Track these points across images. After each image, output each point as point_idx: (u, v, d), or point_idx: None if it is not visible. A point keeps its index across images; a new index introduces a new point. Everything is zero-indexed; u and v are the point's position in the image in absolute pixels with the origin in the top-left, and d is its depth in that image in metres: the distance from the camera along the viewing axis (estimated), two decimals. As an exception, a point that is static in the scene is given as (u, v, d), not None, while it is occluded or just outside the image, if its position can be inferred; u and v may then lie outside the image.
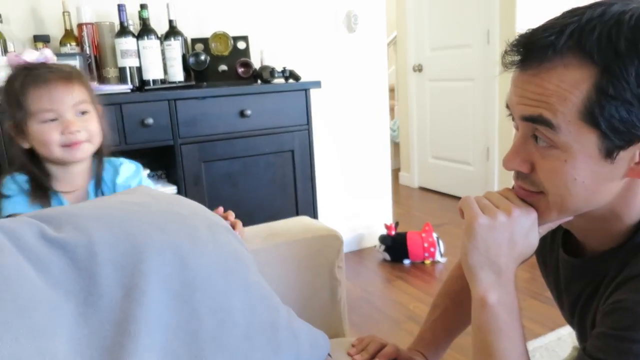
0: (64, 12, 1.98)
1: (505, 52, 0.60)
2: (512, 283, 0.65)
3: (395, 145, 4.41)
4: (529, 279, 2.19)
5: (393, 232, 2.65)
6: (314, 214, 2.15)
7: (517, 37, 0.60)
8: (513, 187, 0.68)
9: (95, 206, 0.80)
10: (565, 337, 1.82)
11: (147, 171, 1.88)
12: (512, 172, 0.66)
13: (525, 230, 0.64)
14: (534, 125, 0.58)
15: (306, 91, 2.11)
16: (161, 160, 2.02)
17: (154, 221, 0.79)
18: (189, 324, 0.71)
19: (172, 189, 1.89)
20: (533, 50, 0.57)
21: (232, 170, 1.98)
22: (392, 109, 4.34)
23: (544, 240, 0.79)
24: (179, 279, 0.74)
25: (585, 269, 0.70)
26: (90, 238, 0.72)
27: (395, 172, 4.23)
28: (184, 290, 0.73)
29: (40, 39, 1.96)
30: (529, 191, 0.64)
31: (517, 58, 0.59)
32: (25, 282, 0.63)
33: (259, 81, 2.13)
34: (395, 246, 2.61)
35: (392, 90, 4.36)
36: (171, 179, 1.96)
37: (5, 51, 1.73)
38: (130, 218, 0.78)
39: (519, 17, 3.10)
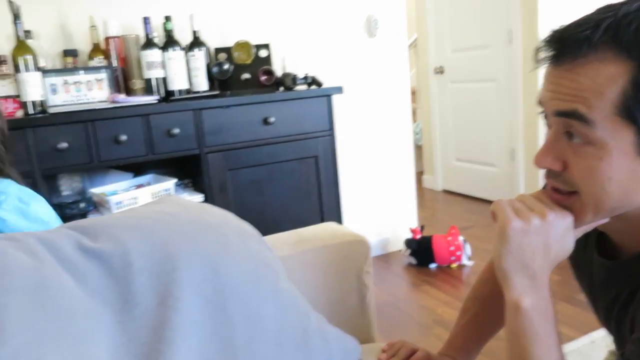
0: (91, 27, 2.03)
1: (539, 47, 0.59)
2: (546, 287, 0.64)
3: (418, 148, 4.38)
4: (559, 282, 2.15)
5: (419, 236, 2.64)
6: (338, 220, 2.15)
7: (550, 32, 0.59)
8: (545, 188, 0.67)
9: (129, 216, 0.82)
10: (599, 341, 1.78)
11: (175, 180, 1.91)
12: (541, 172, 0.65)
13: (560, 234, 0.63)
14: (568, 121, 0.57)
15: (328, 97, 2.12)
16: (188, 169, 2.05)
17: (185, 230, 0.81)
18: (222, 330, 0.72)
19: (199, 197, 1.92)
20: (567, 45, 0.56)
21: (257, 177, 2.00)
22: (414, 112, 4.32)
23: (576, 242, 0.78)
24: (211, 287, 0.75)
25: (621, 272, 0.69)
26: (125, 248, 0.74)
27: (419, 175, 4.21)
28: (217, 297, 0.74)
29: (70, 54, 2.02)
30: (562, 193, 0.63)
31: (550, 53, 0.58)
32: (65, 292, 0.65)
33: (282, 88, 2.15)
34: (421, 250, 2.60)
35: (413, 93, 4.34)
36: (198, 187, 1.99)
37: (37, 67, 1.79)
38: (162, 227, 0.80)
39: (541, 15, 3.06)
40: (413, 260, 2.64)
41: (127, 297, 0.70)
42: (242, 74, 2.20)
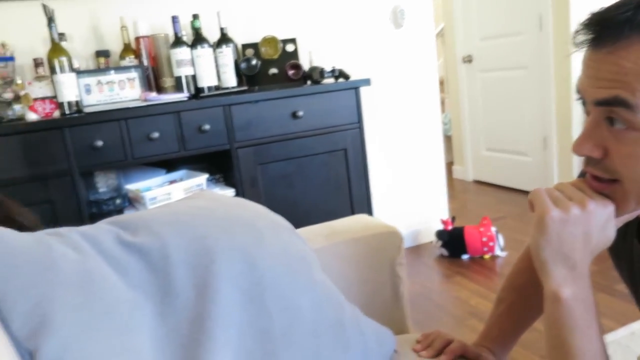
0: (121, 27, 2.07)
1: (577, 31, 0.58)
2: (587, 277, 0.62)
3: (447, 139, 4.33)
4: (597, 272, 2.10)
5: (450, 227, 2.61)
6: (369, 212, 2.15)
7: (588, 15, 0.57)
8: (583, 175, 0.65)
9: (166, 211, 0.84)
10: (639, 332, 1.73)
11: (207, 175, 1.94)
12: (575, 161, 0.63)
13: (601, 224, 0.61)
14: (610, 107, 0.56)
15: (356, 89, 2.12)
16: (219, 164, 2.08)
17: (220, 224, 0.82)
18: (259, 322, 0.74)
19: (230, 191, 1.94)
20: (608, 27, 0.54)
21: (287, 171, 2.01)
22: (442, 102, 4.27)
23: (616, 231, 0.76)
24: (247, 279, 0.76)
25: None
26: (163, 242, 0.75)
27: (449, 166, 4.16)
28: (253, 289, 0.75)
29: (102, 54, 2.06)
30: (602, 181, 0.61)
31: (589, 37, 0.56)
32: (109, 284, 0.67)
33: (309, 82, 2.16)
34: (453, 241, 2.57)
35: (441, 83, 4.29)
36: (229, 182, 2.02)
37: (72, 68, 1.83)
38: (198, 222, 0.82)
39: (573, 0, 2.97)
40: (445, 252, 2.62)
41: (167, 290, 0.72)
42: (270, 69, 2.22)
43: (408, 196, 2.81)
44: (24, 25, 2.05)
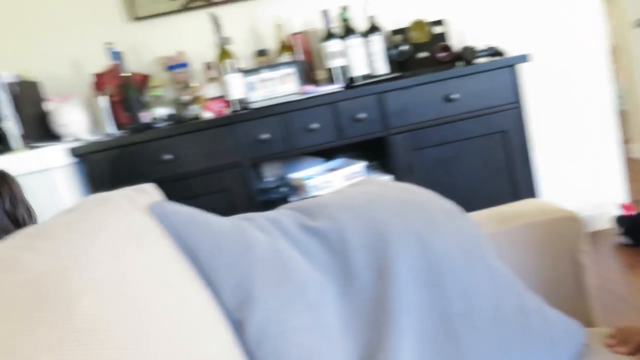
0: (277, 26, 2.20)
1: None
2: None
3: (622, 114, 3.84)
4: None
5: (633, 213, 2.32)
6: (534, 196, 2.00)
7: None
8: None
9: (340, 197, 0.87)
10: None
11: (365, 162, 1.98)
12: None
13: None
14: None
15: (512, 67, 1.97)
16: (374, 152, 2.10)
17: (393, 208, 0.83)
18: (438, 305, 0.73)
19: (387, 178, 1.95)
20: None
21: (444, 156, 1.96)
22: (614, 73, 3.80)
23: None
24: (422, 263, 0.76)
25: None
26: (340, 226, 0.78)
27: (625, 144, 3.69)
28: (430, 273, 0.75)
29: (261, 53, 2.21)
30: None
31: None
32: (297, 265, 0.71)
33: (461, 63, 2.07)
34: (637, 228, 2.28)
35: (612, 52, 3.81)
36: (385, 169, 2.03)
37: (237, 68, 1.99)
38: (371, 207, 0.83)
39: None
40: (626, 240, 2.34)
41: (347, 272, 0.75)
42: (420, 53, 2.17)
43: (578, 179, 2.56)
44: (195, 34, 2.29)
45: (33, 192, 1.76)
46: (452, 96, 1.94)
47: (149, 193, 0.81)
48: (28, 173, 1.74)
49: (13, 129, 1.88)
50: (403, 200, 0.86)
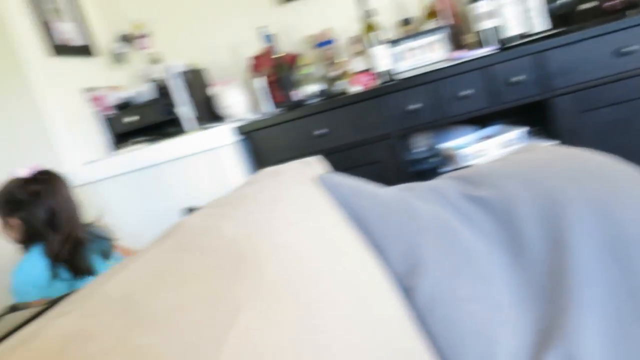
0: (421, -8, 2.13)
1: None
2: None
3: None
4: None
5: None
6: None
7: None
8: None
9: (504, 165, 0.83)
10: None
11: (526, 128, 1.85)
12: None
13: None
14: None
15: None
16: (532, 116, 1.96)
17: (565, 175, 0.77)
18: (626, 281, 0.67)
19: (553, 144, 1.81)
20: None
21: (618, 117, 1.75)
22: None
23: None
24: (605, 233, 0.70)
25: None
26: (507, 194, 0.75)
27: None
28: (614, 244, 0.68)
29: (405, 22, 2.18)
30: None
31: None
32: (463, 234, 0.71)
33: (634, 11, 1.81)
34: None
35: None
36: (549, 134, 1.88)
37: (382, 40, 1.99)
38: (541, 174, 0.78)
39: None
40: None
41: (516, 242, 0.72)
42: (583, 4, 1.95)
43: None
44: (339, 10, 2.32)
45: (204, 169, 1.98)
46: (625, 49, 1.71)
47: (313, 165, 0.86)
48: (201, 152, 1.95)
49: (188, 112, 2.12)
50: (577, 166, 0.79)
